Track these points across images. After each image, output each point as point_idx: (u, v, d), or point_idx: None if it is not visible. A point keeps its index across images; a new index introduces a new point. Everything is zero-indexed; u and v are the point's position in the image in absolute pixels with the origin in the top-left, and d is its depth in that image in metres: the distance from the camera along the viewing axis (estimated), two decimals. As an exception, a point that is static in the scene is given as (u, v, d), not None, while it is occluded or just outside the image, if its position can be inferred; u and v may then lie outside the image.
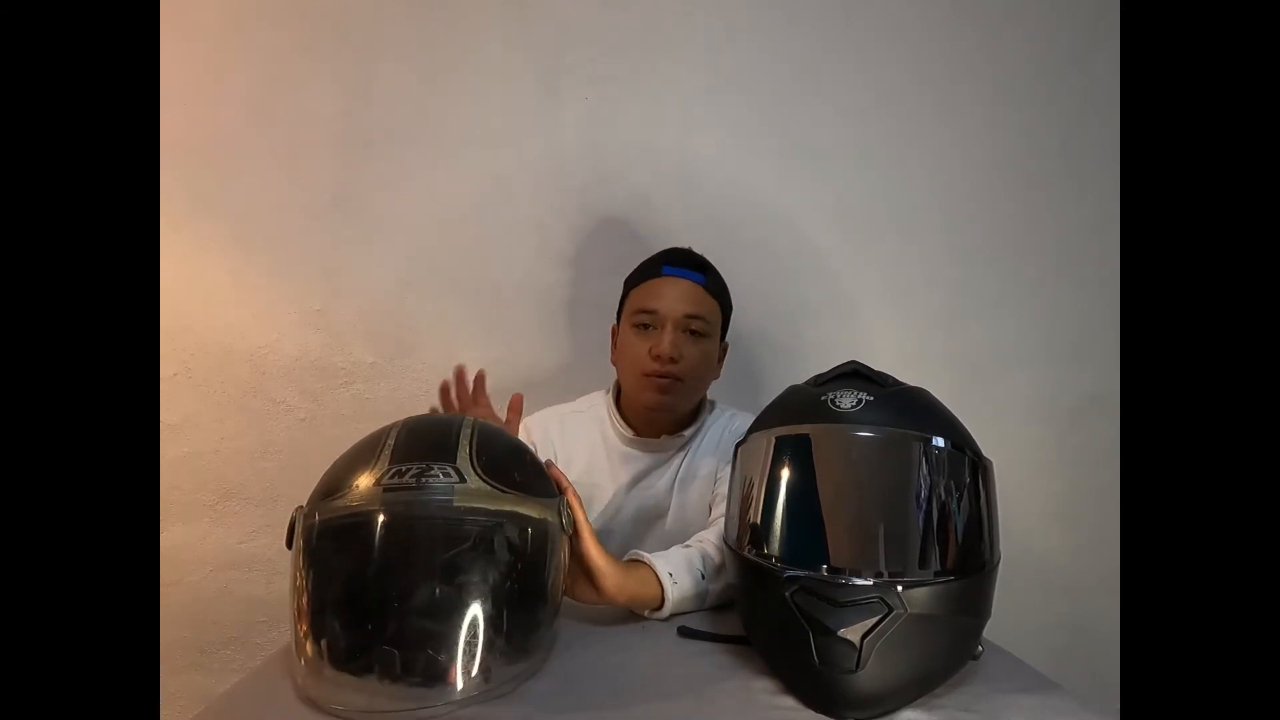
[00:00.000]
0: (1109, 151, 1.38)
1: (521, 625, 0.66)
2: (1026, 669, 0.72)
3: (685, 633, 0.77)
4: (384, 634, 0.63)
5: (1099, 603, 1.39)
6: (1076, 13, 1.39)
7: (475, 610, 0.63)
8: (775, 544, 0.66)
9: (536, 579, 0.68)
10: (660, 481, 1.05)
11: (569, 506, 0.74)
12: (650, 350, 0.97)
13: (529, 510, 0.67)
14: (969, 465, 0.65)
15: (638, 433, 1.05)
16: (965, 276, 1.40)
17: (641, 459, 1.05)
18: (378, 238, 1.32)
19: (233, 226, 1.30)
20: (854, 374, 0.70)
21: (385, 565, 0.65)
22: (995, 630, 0.69)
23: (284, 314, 1.31)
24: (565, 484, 0.76)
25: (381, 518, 0.64)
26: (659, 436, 1.04)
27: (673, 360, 0.97)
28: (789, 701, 0.62)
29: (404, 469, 0.65)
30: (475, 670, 0.62)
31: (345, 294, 1.32)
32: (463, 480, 0.65)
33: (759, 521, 0.68)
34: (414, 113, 1.32)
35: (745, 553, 0.68)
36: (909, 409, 0.67)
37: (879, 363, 0.73)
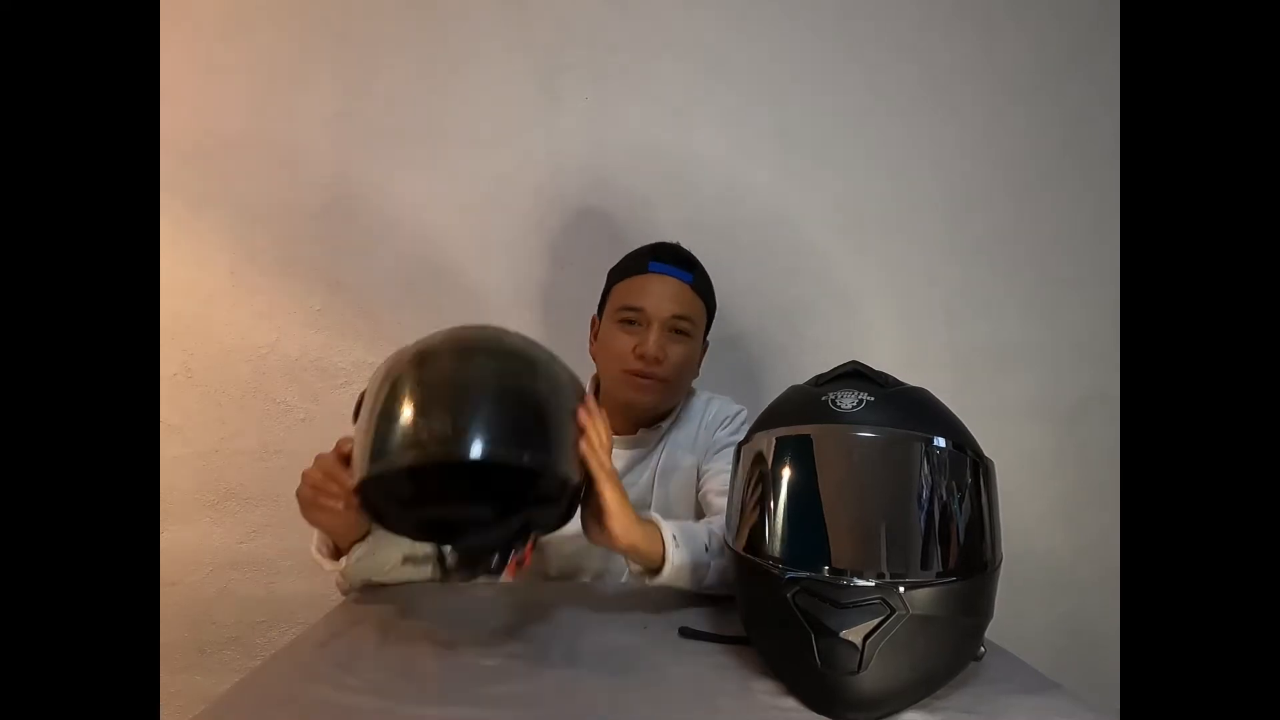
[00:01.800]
0: (1109, 151, 1.39)
1: None
2: (1028, 669, 0.72)
3: (686, 633, 0.77)
4: None
5: (1099, 602, 1.39)
6: (1076, 13, 1.39)
7: None
8: (776, 545, 0.66)
9: None
10: (642, 478, 1.04)
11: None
12: (635, 349, 0.97)
13: None
14: (970, 465, 0.65)
15: (616, 430, 1.04)
16: (966, 276, 1.40)
17: (620, 456, 1.04)
18: (378, 237, 1.32)
19: (233, 226, 1.30)
20: (855, 374, 0.70)
21: None
22: (996, 630, 0.69)
23: (284, 314, 1.31)
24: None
25: None
26: (636, 431, 1.04)
27: (657, 361, 0.97)
28: (790, 703, 0.62)
29: None
30: None
31: (345, 294, 1.32)
32: None
33: (760, 522, 0.68)
34: (414, 113, 1.32)
35: (746, 554, 0.68)
36: (910, 409, 0.67)
37: (879, 362, 0.73)
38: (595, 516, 0.75)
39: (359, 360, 1.32)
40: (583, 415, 0.74)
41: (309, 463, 0.75)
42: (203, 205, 1.29)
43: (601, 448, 0.74)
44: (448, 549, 0.73)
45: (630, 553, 0.78)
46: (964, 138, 1.39)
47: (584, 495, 0.75)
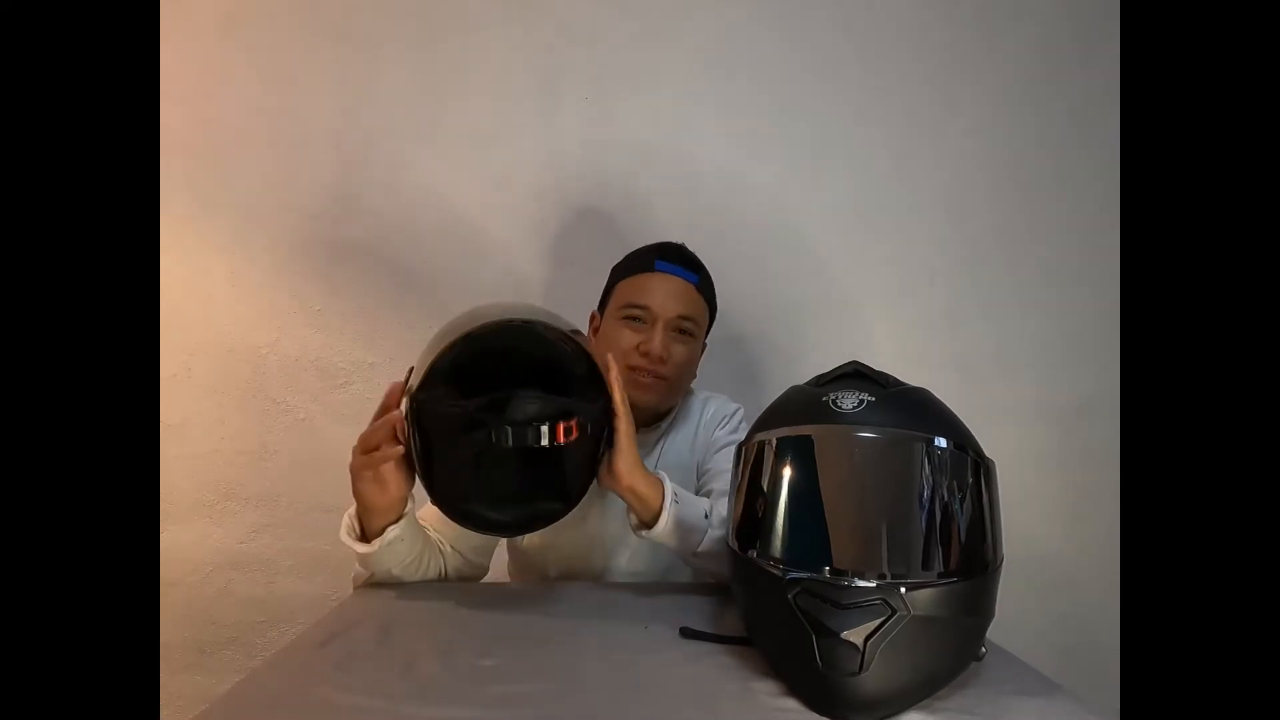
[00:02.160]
0: (1109, 152, 1.39)
1: None
2: (1029, 670, 0.71)
3: (687, 633, 0.77)
4: None
5: (1100, 603, 1.39)
6: (1076, 13, 1.39)
7: None
8: (777, 545, 0.66)
9: None
10: None
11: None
12: (639, 347, 0.97)
13: None
14: (971, 466, 0.65)
15: None
16: (966, 276, 1.40)
17: None
18: (378, 237, 1.32)
19: (233, 226, 1.30)
20: (855, 374, 0.70)
21: None
22: (996, 630, 0.69)
23: (284, 314, 1.31)
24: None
25: None
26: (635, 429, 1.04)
27: (661, 360, 0.97)
28: (791, 704, 0.62)
29: None
30: None
31: (345, 294, 1.32)
32: None
33: (761, 523, 0.68)
34: (414, 113, 1.32)
35: (747, 554, 0.68)
36: (911, 409, 0.67)
37: (880, 363, 0.73)
38: (606, 457, 0.81)
39: (359, 360, 1.32)
40: (610, 358, 0.83)
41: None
42: (203, 205, 1.29)
43: (619, 388, 0.81)
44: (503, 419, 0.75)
45: (629, 495, 0.82)
46: (965, 138, 1.39)
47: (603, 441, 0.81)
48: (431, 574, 0.91)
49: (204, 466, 1.31)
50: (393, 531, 0.82)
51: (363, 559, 0.85)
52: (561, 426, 0.73)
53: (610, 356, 0.84)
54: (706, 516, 0.85)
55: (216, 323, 1.30)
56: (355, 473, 0.79)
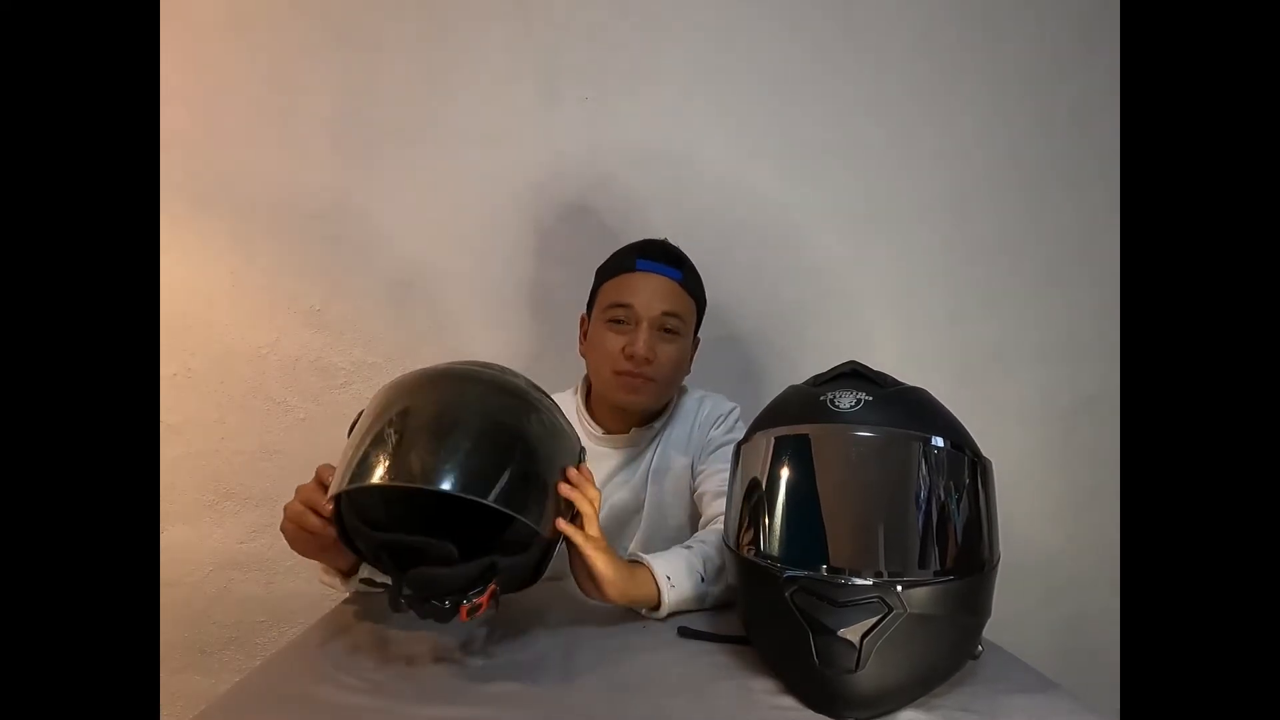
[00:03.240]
0: (1109, 151, 1.38)
1: None
2: (1026, 668, 0.72)
3: (685, 633, 0.77)
4: None
5: (1098, 602, 1.39)
6: (1076, 13, 1.39)
7: None
8: (775, 544, 0.66)
9: None
10: (634, 478, 1.04)
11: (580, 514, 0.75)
12: (624, 349, 0.97)
13: None
14: (968, 465, 0.65)
15: (607, 430, 1.04)
16: (965, 276, 1.40)
17: (613, 456, 1.04)
18: (378, 237, 1.32)
19: (233, 226, 1.30)
20: (853, 374, 0.70)
21: None
22: (994, 629, 0.69)
23: (284, 314, 1.31)
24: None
25: None
26: (628, 431, 1.04)
27: (647, 361, 0.96)
28: (789, 701, 0.62)
29: None
30: None
31: (345, 294, 1.32)
32: None
33: (758, 522, 0.68)
34: (414, 113, 1.32)
35: (745, 553, 0.68)
36: (908, 409, 0.67)
37: (878, 363, 0.73)
38: (588, 577, 0.77)
39: (359, 360, 1.32)
40: (573, 476, 0.74)
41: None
42: (203, 205, 1.29)
43: (589, 516, 0.75)
44: (404, 584, 0.68)
45: (626, 604, 0.79)
46: (964, 138, 1.39)
47: (570, 550, 0.76)
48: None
49: (204, 466, 1.31)
50: (365, 570, 0.80)
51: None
52: (465, 608, 0.65)
53: (590, 489, 0.76)
54: (703, 580, 0.82)
55: (216, 323, 1.30)
56: (288, 536, 0.76)
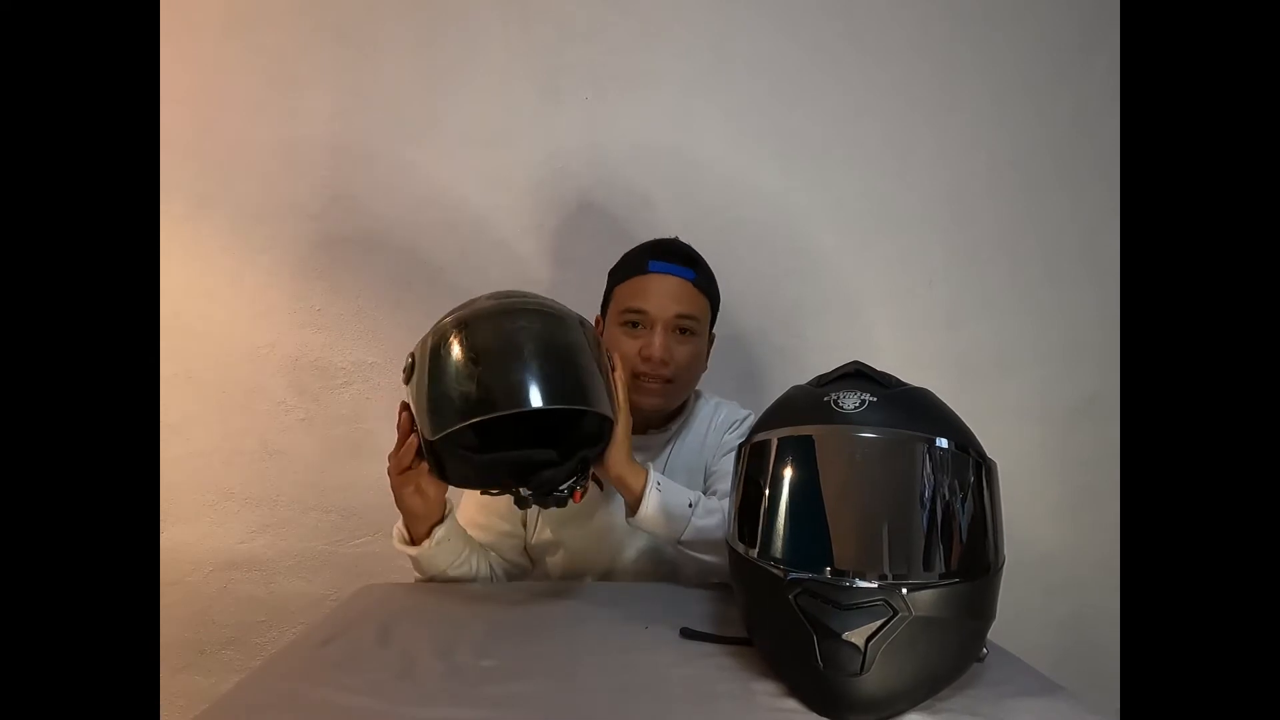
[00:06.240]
0: (1109, 152, 1.39)
1: None
2: (1030, 671, 0.71)
3: (688, 634, 0.77)
4: None
5: (1100, 603, 1.39)
6: (1076, 13, 1.39)
7: None
8: (778, 546, 0.66)
9: None
10: None
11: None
12: (640, 351, 0.97)
13: None
14: (973, 466, 0.65)
15: None
16: (967, 276, 1.40)
17: None
18: (377, 237, 1.32)
19: (233, 226, 1.30)
20: (857, 374, 0.70)
21: None
22: (996, 631, 0.69)
23: (284, 314, 1.31)
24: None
25: None
26: (645, 432, 1.04)
27: (664, 363, 0.97)
28: (792, 704, 0.62)
29: None
30: None
31: (345, 294, 1.32)
32: None
33: (762, 523, 0.67)
34: (414, 113, 1.32)
35: (748, 555, 0.68)
36: (912, 410, 0.67)
37: (881, 363, 0.73)
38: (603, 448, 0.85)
39: (359, 360, 1.32)
40: (616, 361, 0.90)
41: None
42: (203, 205, 1.29)
43: (622, 387, 0.88)
44: (525, 486, 0.81)
45: (617, 483, 0.88)
46: (965, 138, 1.39)
47: None
48: (482, 572, 0.97)
49: (204, 466, 1.31)
50: (439, 531, 0.89)
51: (416, 562, 0.92)
52: (579, 492, 0.82)
53: (617, 356, 0.91)
54: (691, 506, 0.88)
55: (216, 323, 1.30)
56: (396, 490, 0.87)
